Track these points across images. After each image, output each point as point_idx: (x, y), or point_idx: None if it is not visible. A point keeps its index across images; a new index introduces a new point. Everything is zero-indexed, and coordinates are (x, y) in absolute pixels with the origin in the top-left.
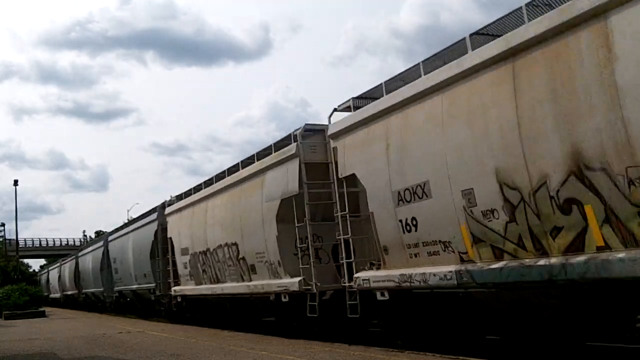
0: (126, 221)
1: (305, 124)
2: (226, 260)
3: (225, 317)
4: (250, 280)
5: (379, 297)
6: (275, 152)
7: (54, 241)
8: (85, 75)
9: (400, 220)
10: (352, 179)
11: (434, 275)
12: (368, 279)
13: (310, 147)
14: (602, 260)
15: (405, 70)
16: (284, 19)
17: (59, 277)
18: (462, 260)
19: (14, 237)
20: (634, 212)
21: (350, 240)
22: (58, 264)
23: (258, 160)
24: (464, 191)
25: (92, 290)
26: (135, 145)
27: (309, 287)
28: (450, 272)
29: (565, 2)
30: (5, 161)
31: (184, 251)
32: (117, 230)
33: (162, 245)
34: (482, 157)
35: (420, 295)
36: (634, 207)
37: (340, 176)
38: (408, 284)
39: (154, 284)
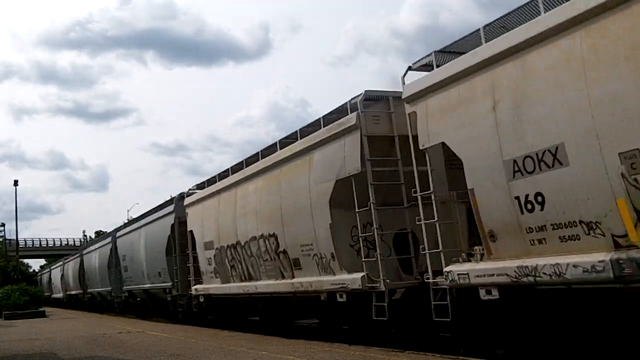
0: (126, 221)
1: (366, 91)
2: (261, 255)
3: (256, 319)
4: (293, 276)
5: (483, 296)
6: (324, 126)
7: (54, 241)
8: (85, 75)
9: (517, 197)
10: (435, 150)
11: (576, 266)
12: (466, 274)
13: (373, 117)
14: None
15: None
16: (284, 19)
17: (62, 276)
18: (617, 246)
19: (14, 237)
20: None
21: (438, 227)
22: (61, 263)
23: (302, 137)
24: (624, 154)
25: (99, 289)
26: (135, 145)
27: (376, 285)
28: (602, 261)
29: None
30: (5, 161)
31: (208, 245)
32: (126, 225)
33: (180, 240)
34: None
35: (548, 294)
36: None
37: (422, 147)
38: (531, 278)
39: (170, 283)
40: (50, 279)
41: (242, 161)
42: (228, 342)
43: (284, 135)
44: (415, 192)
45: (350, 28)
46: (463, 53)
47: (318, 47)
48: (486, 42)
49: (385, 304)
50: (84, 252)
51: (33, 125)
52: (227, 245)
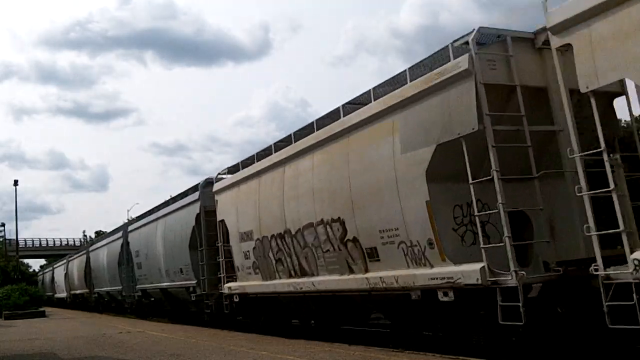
0: (126, 221)
1: (480, 27)
2: (320, 245)
3: (307, 322)
4: (367, 270)
5: None
6: (411, 81)
7: (54, 241)
8: (85, 75)
9: None
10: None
11: None
12: None
13: (488, 61)
14: None
15: None
16: (284, 19)
17: (66, 275)
18: None
19: (14, 237)
20: None
21: (616, 198)
22: (64, 261)
23: (375, 99)
24: None
25: (107, 289)
26: (135, 145)
27: (503, 279)
28: None
29: None
30: (5, 161)
31: (245, 236)
32: (139, 218)
33: (207, 231)
34: None
35: None
36: None
37: (584, 89)
38: None
39: (194, 281)
40: (53, 278)
41: (288, 135)
42: (228, 342)
43: (284, 135)
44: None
45: (350, 28)
46: None
47: (318, 47)
48: None
49: (520, 304)
50: (91, 248)
51: (33, 125)
52: (272, 236)
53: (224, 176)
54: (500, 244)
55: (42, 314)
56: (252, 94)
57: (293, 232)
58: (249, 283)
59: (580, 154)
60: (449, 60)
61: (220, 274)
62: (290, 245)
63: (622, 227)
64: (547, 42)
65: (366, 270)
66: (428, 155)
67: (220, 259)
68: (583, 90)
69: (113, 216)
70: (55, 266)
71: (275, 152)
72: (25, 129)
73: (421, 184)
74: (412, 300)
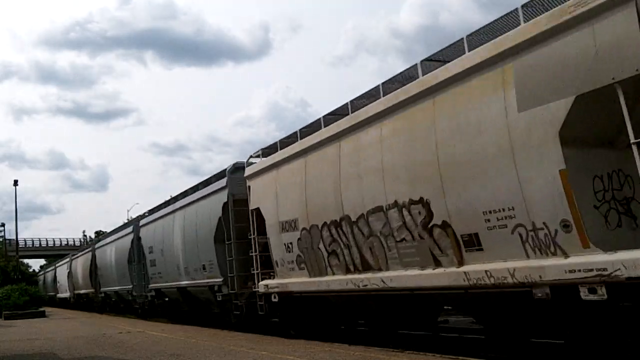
0: (126, 221)
1: None
2: (392, 233)
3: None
4: (461, 263)
5: None
6: (525, 22)
7: (53, 241)
8: (85, 75)
9: None
10: None
11: None
12: None
13: None
14: None
15: None
16: (284, 19)
17: (69, 274)
18: None
19: (14, 237)
20: None
21: None
22: (68, 259)
23: (470, 50)
24: None
25: (115, 288)
26: (135, 145)
27: None
28: None
29: None
30: (5, 161)
31: (287, 226)
32: (152, 211)
33: (235, 223)
34: None
35: None
36: None
37: None
38: None
39: (220, 279)
40: (55, 277)
41: (345, 104)
42: (228, 342)
43: (283, 135)
44: None
45: (350, 28)
46: None
47: (318, 47)
48: None
49: None
50: (97, 245)
51: (33, 125)
52: (323, 224)
53: (255, 160)
54: None
55: (42, 314)
56: (252, 94)
57: (353, 219)
58: (292, 280)
59: None
60: None
61: (252, 270)
62: (349, 234)
63: None
64: None
65: (460, 263)
66: (563, 111)
67: (254, 253)
68: None
69: (113, 216)
70: (57, 265)
71: (324, 126)
72: (25, 129)
73: (553, 149)
74: (536, 299)
